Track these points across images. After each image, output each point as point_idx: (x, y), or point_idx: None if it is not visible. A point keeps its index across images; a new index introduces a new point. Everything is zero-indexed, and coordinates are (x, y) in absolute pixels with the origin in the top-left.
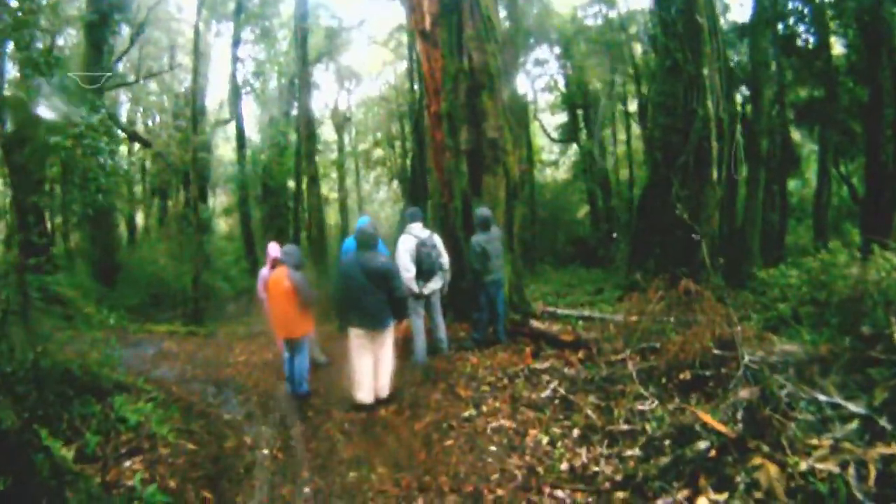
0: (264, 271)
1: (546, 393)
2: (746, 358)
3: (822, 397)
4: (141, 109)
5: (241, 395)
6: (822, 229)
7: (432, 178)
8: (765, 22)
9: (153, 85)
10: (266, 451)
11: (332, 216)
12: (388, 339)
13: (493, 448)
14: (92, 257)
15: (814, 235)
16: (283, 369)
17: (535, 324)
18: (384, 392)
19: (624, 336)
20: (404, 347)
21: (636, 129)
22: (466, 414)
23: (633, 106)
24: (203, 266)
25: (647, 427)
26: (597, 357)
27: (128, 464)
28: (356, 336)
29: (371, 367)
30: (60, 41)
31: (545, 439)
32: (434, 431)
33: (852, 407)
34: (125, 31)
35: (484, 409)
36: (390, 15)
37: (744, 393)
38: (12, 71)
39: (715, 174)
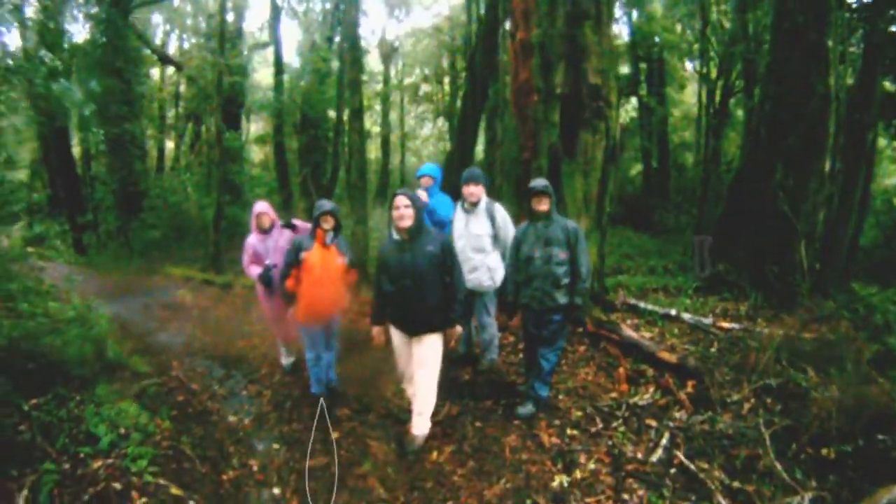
0: (252, 239)
1: (658, 454)
2: None
3: None
4: (175, 31)
5: (252, 384)
6: None
7: (510, 127)
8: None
9: (189, 7)
10: (277, 491)
11: (373, 151)
12: (433, 346)
13: None
14: (111, 184)
15: None
16: (308, 371)
17: (626, 331)
18: (421, 428)
19: (741, 366)
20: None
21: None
22: (556, 483)
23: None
24: (229, 202)
25: None
26: (711, 392)
27: None
28: (394, 337)
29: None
30: None
31: None
32: None
33: None
34: None
35: (578, 475)
36: None
37: None
38: None
39: (827, 165)
